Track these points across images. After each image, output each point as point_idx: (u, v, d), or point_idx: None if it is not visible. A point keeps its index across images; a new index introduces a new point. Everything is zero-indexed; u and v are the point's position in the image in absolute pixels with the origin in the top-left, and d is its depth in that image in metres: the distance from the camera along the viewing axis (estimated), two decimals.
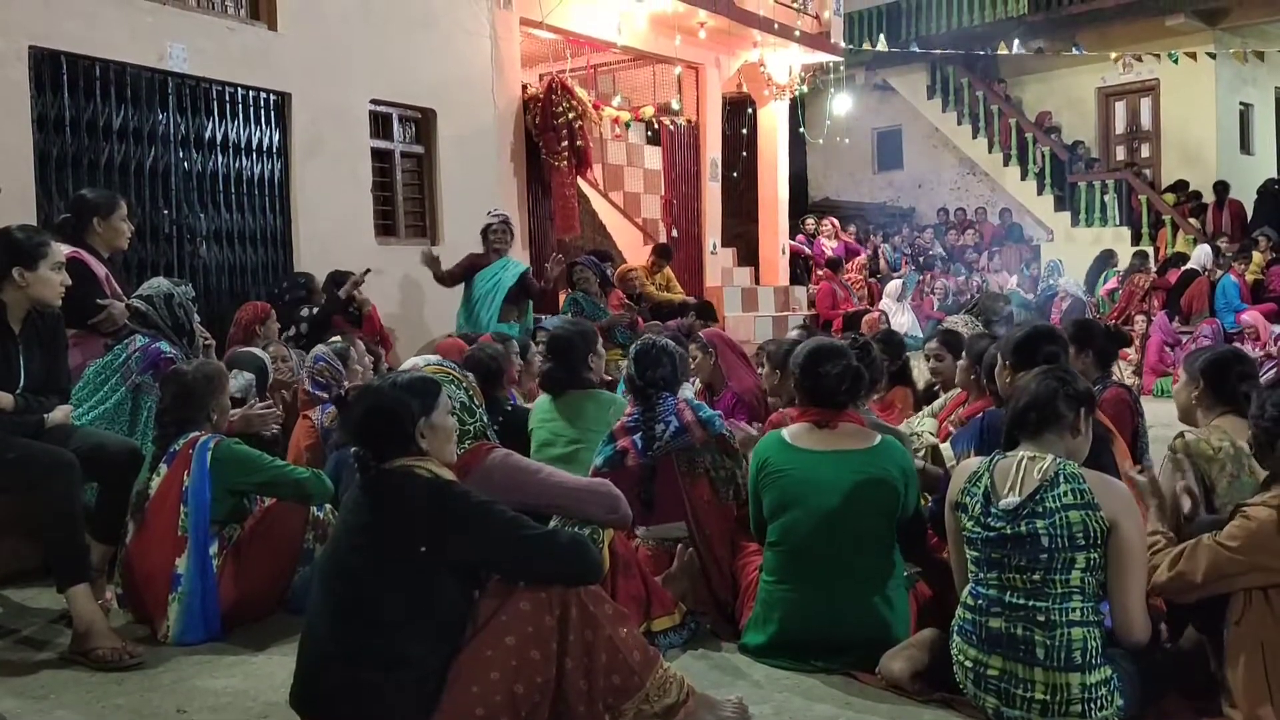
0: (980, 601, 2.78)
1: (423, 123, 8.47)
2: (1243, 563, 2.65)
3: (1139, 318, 11.31)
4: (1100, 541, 2.68)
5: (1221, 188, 15.07)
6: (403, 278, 8.05)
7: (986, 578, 2.78)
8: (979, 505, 2.80)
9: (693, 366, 5.45)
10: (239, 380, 4.76)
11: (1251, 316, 10.34)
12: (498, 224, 7.56)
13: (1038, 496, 2.71)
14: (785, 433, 3.40)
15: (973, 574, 2.84)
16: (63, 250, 3.84)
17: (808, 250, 13.52)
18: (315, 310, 6.54)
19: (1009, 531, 2.71)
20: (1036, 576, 2.68)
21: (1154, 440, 7.16)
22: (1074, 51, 15.75)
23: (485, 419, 3.33)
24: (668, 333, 6.38)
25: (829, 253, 13.24)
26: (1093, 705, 2.63)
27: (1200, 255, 12.49)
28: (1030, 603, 2.68)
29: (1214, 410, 3.28)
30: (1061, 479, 2.72)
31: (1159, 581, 2.79)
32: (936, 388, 5.21)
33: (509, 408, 4.41)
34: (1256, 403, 2.84)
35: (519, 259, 8.11)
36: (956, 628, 2.85)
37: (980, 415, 3.66)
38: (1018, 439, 2.88)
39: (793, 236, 13.48)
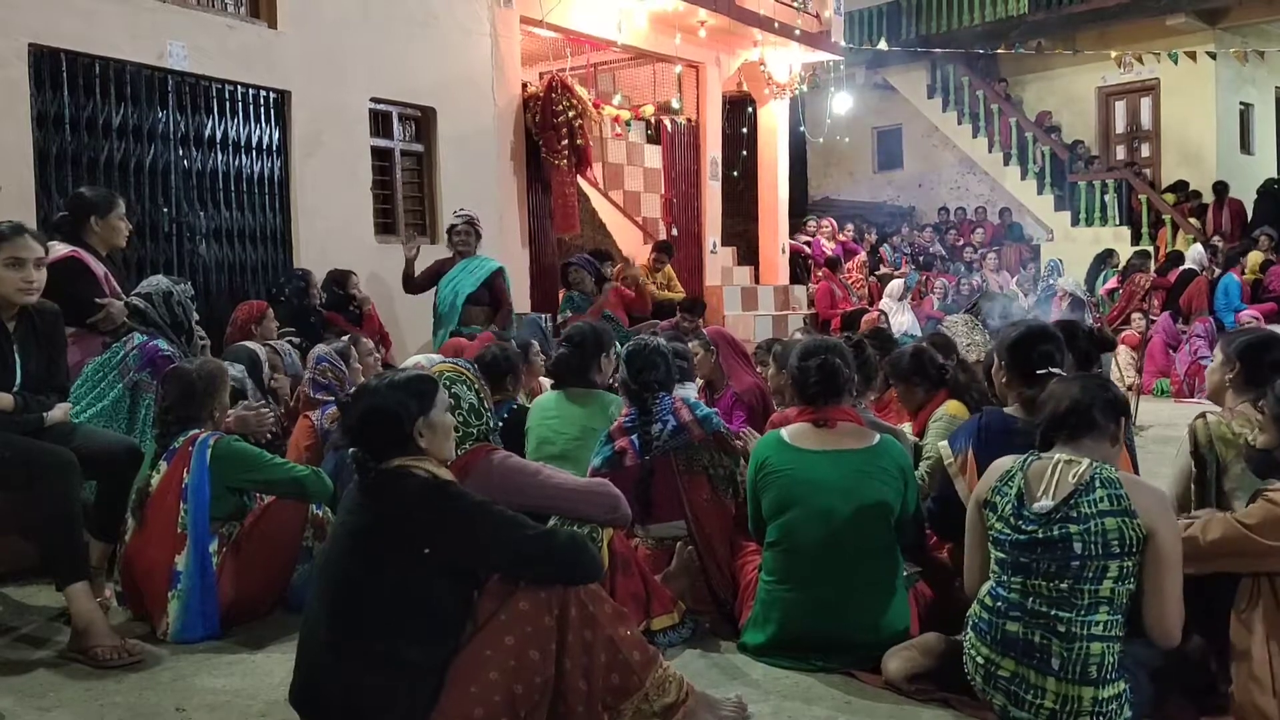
0: (999, 604, 2.71)
1: (423, 121, 8.47)
2: (1256, 544, 2.64)
3: (1136, 316, 11.32)
4: (1135, 549, 2.60)
5: (1221, 187, 15.08)
6: (402, 276, 8.04)
7: (1010, 581, 2.70)
8: (1010, 506, 2.73)
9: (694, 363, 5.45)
10: (232, 372, 4.76)
11: (1250, 316, 10.34)
12: (461, 224, 7.37)
13: (1072, 501, 2.63)
14: (784, 432, 3.40)
15: (994, 575, 2.76)
16: (48, 248, 3.78)
17: (807, 250, 13.51)
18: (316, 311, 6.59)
19: (1041, 535, 2.64)
20: (1064, 585, 2.61)
21: (1153, 440, 7.21)
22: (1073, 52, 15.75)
23: (493, 422, 3.32)
24: (664, 332, 6.38)
25: (828, 253, 13.23)
26: (1102, 718, 2.59)
27: (1194, 254, 12.51)
28: (1053, 611, 2.61)
29: (1243, 394, 3.22)
30: (1098, 483, 2.64)
31: None
32: None
33: (514, 406, 4.35)
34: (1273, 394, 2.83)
35: (508, 260, 8.02)
36: (971, 623, 2.79)
37: (978, 414, 3.65)
38: (1053, 440, 2.81)
39: (793, 236, 13.48)
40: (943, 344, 4.86)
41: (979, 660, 2.74)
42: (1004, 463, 2.85)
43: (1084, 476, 2.66)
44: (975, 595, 2.88)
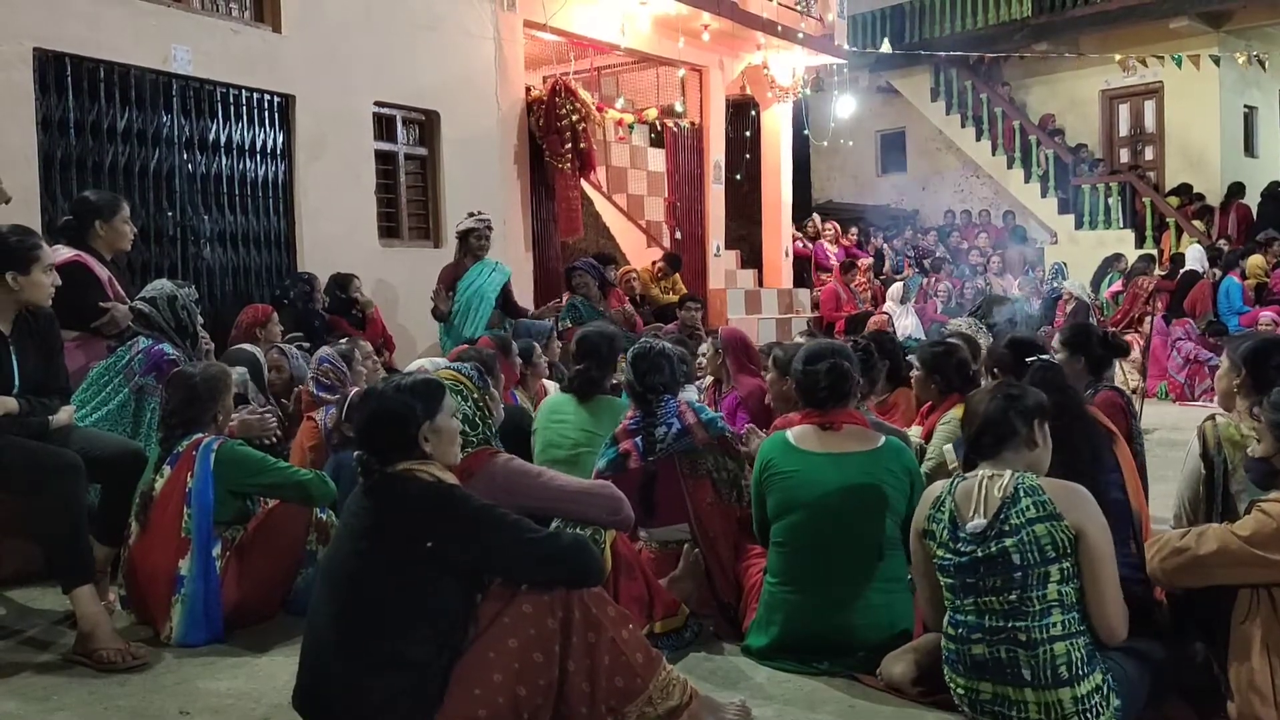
0: (960, 630, 2.74)
1: (426, 125, 8.48)
2: (1251, 555, 2.64)
3: (1149, 320, 11.29)
4: (1070, 550, 2.65)
5: (1236, 189, 15.05)
6: (406, 280, 8.06)
7: (963, 604, 2.74)
8: (946, 531, 2.77)
9: (703, 363, 5.46)
10: (234, 375, 4.76)
11: (1270, 317, 10.30)
12: (482, 227, 7.34)
13: (1002, 515, 2.68)
14: (790, 434, 3.40)
15: (949, 601, 2.79)
16: (53, 253, 3.80)
17: (807, 249, 13.49)
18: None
19: (980, 554, 2.68)
20: (1013, 596, 2.65)
21: (1158, 443, 7.20)
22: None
23: (491, 429, 3.31)
24: (669, 335, 6.38)
25: (831, 257, 13.22)
26: (1089, 714, 2.61)
27: (1193, 254, 12.49)
28: (1010, 624, 2.65)
29: (1251, 398, 3.24)
30: (1021, 493, 2.69)
31: (1155, 563, 2.78)
32: None
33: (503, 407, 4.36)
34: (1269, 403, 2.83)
35: (512, 263, 8.00)
36: (944, 657, 2.82)
37: None
38: (975, 460, 2.86)
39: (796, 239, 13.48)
40: None
41: (960, 692, 2.77)
42: (934, 489, 2.89)
43: (1008, 489, 2.70)
44: (934, 625, 2.91)
